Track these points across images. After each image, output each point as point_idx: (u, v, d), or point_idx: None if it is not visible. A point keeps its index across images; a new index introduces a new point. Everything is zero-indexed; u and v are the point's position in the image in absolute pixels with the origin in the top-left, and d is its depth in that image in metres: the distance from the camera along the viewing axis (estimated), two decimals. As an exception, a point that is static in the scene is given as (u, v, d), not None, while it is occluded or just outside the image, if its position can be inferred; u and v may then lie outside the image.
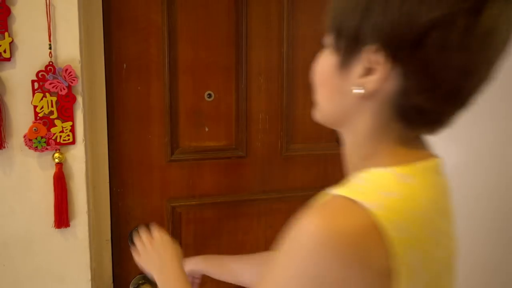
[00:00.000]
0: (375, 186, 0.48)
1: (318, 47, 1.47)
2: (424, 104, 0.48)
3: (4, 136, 1.09)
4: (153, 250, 0.92)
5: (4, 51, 1.06)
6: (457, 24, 0.43)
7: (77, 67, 1.12)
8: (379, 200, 0.45)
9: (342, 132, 0.59)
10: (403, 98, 0.48)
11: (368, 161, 0.52)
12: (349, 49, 0.50)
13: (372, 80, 0.48)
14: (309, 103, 1.50)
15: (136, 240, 0.96)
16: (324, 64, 0.56)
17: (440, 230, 0.50)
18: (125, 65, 1.26)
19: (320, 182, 1.55)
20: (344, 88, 0.51)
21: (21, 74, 1.08)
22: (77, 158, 1.15)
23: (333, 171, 1.56)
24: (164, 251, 0.91)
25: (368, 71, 0.48)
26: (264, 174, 1.45)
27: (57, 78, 1.10)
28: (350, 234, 0.42)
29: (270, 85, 1.42)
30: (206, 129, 1.36)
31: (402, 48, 0.45)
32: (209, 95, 1.34)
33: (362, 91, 0.49)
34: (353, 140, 0.56)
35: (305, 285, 0.43)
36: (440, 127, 0.53)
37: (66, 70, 1.11)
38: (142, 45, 1.27)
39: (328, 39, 0.55)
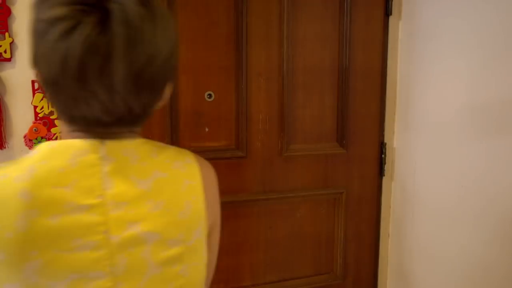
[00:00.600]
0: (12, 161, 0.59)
1: (317, 47, 1.48)
2: (55, 109, 0.58)
3: (5, 136, 1.09)
4: None
5: (5, 51, 1.06)
6: (38, 52, 0.54)
7: (77, 68, 1.12)
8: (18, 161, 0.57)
9: None
10: (49, 102, 0.58)
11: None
12: None
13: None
14: (309, 103, 1.50)
15: None
16: None
17: (61, 200, 0.54)
18: None
19: (320, 182, 1.54)
20: None
21: (21, 74, 1.09)
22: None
23: (332, 171, 1.56)
24: None
25: None
26: (264, 175, 1.45)
27: (57, 79, 1.10)
28: None
29: (270, 85, 1.41)
30: (206, 130, 1.35)
31: (30, 58, 0.57)
32: (209, 95, 1.34)
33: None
34: None
35: None
36: (99, 126, 0.59)
37: (66, 70, 1.11)
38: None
39: None
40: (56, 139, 1.12)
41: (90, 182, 0.56)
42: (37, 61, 0.55)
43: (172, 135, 1.32)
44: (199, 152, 1.32)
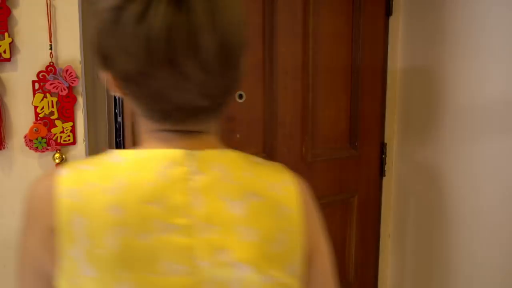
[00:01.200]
0: (88, 161, 0.54)
1: (334, 46, 1.42)
2: (141, 106, 0.53)
3: (4, 136, 1.08)
4: None
5: (4, 52, 1.06)
6: (107, 37, 0.48)
7: (77, 68, 1.12)
8: (73, 171, 0.52)
9: None
10: (131, 101, 0.53)
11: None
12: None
13: (113, 88, 0.54)
14: (327, 104, 1.40)
15: None
16: None
17: (151, 218, 0.49)
18: None
19: (336, 187, 1.48)
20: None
21: (21, 74, 1.08)
22: (77, 159, 1.15)
23: (346, 174, 1.50)
24: None
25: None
26: None
27: (58, 79, 1.10)
28: (32, 195, 0.53)
29: (295, 84, 1.32)
30: (238, 136, 1.22)
31: (97, 61, 0.52)
32: (240, 96, 1.21)
33: (115, 94, 0.55)
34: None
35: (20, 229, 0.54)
36: (187, 120, 0.54)
37: (67, 70, 1.11)
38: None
39: None
40: (56, 139, 1.11)
41: (178, 198, 0.51)
42: (112, 57, 0.49)
43: None
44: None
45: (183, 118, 0.53)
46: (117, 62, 0.49)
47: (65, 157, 1.14)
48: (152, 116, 0.53)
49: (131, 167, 0.51)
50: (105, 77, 0.54)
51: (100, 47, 0.50)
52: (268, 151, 1.28)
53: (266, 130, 1.27)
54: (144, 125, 0.56)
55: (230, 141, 1.21)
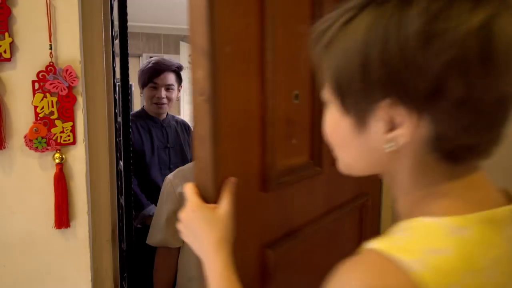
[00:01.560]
0: (421, 239, 0.43)
1: None
2: (467, 141, 0.44)
3: (4, 136, 1.08)
4: (187, 228, 0.69)
5: (4, 51, 1.06)
6: (472, 61, 0.39)
7: (77, 68, 1.12)
8: (425, 258, 0.40)
9: (385, 179, 0.53)
10: (443, 142, 0.44)
11: (417, 208, 0.48)
12: (359, 108, 0.46)
13: (401, 134, 0.44)
14: None
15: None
16: (337, 126, 0.51)
17: None
18: (229, 49, 0.76)
19: (356, 190, 1.43)
20: (370, 146, 0.47)
21: (21, 74, 1.09)
22: (77, 159, 1.15)
23: (366, 177, 1.44)
24: (202, 233, 0.66)
25: (393, 125, 0.44)
26: (329, 191, 1.18)
27: (58, 79, 1.10)
28: None
29: None
30: (294, 142, 1.01)
31: (420, 99, 0.41)
32: (296, 96, 1.00)
33: (394, 146, 0.45)
34: (398, 187, 0.50)
35: None
36: (491, 151, 0.47)
37: (67, 70, 1.11)
38: (243, 22, 0.79)
39: (329, 97, 0.51)
40: (56, 139, 1.11)
41: None
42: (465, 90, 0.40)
43: (265, 153, 0.88)
44: (289, 174, 0.97)
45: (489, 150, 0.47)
46: (470, 96, 0.41)
47: (65, 157, 1.14)
48: (470, 156, 0.46)
49: (482, 241, 0.43)
50: (408, 129, 0.43)
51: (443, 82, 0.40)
52: (316, 158, 1.09)
53: (315, 135, 1.07)
54: (427, 177, 0.47)
55: (287, 148, 0.97)
